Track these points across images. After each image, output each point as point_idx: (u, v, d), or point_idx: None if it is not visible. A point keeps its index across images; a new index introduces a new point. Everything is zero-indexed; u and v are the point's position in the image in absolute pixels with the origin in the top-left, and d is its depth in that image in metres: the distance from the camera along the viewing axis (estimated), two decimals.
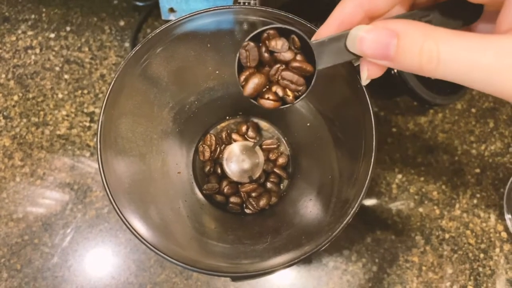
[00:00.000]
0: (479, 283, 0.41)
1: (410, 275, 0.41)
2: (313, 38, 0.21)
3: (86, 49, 0.48)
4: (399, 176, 0.44)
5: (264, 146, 0.40)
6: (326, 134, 0.35)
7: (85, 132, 0.45)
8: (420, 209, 0.43)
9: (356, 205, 0.25)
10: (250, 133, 0.41)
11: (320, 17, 0.26)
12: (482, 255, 0.42)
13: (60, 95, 0.46)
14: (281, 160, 0.40)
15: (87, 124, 0.45)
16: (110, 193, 0.26)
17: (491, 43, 0.16)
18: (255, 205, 0.38)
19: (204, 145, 0.40)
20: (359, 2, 0.20)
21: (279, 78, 0.22)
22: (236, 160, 0.39)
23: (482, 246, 0.42)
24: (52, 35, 0.48)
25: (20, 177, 0.44)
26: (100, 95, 0.46)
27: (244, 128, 0.41)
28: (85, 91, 0.46)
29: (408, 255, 0.42)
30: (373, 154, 0.25)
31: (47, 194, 0.43)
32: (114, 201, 0.26)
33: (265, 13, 0.28)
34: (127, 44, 0.48)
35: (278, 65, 0.22)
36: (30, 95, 0.46)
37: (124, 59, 0.28)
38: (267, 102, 0.23)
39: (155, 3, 0.47)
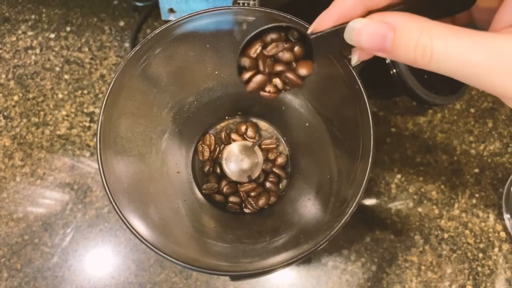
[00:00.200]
0: (478, 283, 0.41)
1: (409, 275, 0.41)
2: (311, 29, 0.22)
3: (86, 49, 0.48)
4: (398, 176, 0.44)
5: (263, 146, 0.40)
6: (324, 134, 0.35)
7: (85, 132, 0.45)
8: (419, 209, 0.43)
9: (354, 204, 0.26)
10: (249, 133, 0.41)
11: None
12: (481, 255, 0.42)
13: (60, 95, 0.46)
14: (280, 160, 0.40)
15: (87, 124, 0.45)
16: (110, 193, 0.26)
17: (483, 42, 0.17)
18: (254, 204, 0.38)
19: (203, 145, 0.40)
20: None
21: (278, 73, 0.23)
22: (235, 160, 0.39)
23: (481, 245, 0.42)
24: (52, 36, 0.48)
25: (20, 177, 0.44)
26: (100, 95, 0.46)
27: (243, 128, 0.41)
28: (85, 91, 0.46)
29: (407, 254, 0.42)
30: (371, 153, 0.26)
31: (47, 194, 0.43)
32: (113, 200, 0.26)
33: (265, 14, 0.28)
34: (127, 45, 0.48)
35: (279, 67, 0.23)
36: (30, 95, 0.46)
37: (124, 60, 0.28)
38: (268, 95, 0.24)
39: (155, 4, 0.47)
